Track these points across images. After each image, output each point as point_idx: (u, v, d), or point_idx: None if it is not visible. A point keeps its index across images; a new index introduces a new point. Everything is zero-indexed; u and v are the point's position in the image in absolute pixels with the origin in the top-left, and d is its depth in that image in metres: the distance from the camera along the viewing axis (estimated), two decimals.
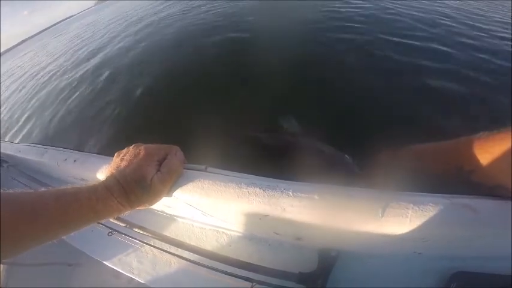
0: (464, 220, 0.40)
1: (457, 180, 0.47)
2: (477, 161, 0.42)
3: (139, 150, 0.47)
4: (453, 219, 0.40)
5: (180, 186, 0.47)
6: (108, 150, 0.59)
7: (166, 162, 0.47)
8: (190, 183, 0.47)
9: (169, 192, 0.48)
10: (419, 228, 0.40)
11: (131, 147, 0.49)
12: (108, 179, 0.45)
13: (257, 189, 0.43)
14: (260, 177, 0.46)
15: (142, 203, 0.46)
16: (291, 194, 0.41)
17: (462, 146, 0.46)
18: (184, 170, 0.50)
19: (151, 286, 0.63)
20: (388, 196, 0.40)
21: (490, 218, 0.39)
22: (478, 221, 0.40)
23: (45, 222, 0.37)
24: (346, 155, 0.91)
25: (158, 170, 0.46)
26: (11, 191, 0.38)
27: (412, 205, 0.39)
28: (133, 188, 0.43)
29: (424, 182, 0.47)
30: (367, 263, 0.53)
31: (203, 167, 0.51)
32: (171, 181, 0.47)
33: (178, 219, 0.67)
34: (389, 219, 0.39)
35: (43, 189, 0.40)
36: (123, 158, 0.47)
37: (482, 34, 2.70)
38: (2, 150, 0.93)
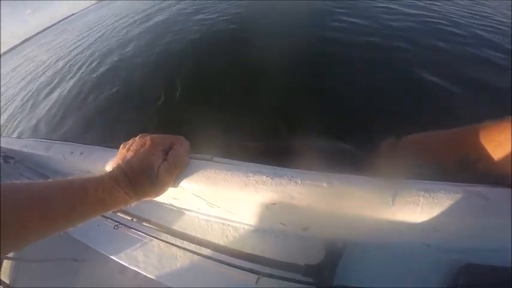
0: (476, 208, 0.39)
1: (462, 170, 0.46)
2: (483, 150, 0.41)
3: (145, 140, 0.47)
4: (465, 207, 0.39)
5: (186, 176, 0.47)
6: (113, 143, 0.59)
7: (172, 151, 0.47)
8: (196, 172, 0.47)
9: (175, 183, 0.47)
10: (431, 217, 0.39)
11: (137, 137, 0.49)
12: (114, 169, 0.44)
13: (264, 177, 0.42)
14: (267, 165, 0.46)
15: (148, 194, 0.45)
16: (299, 182, 0.40)
17: (467, 135, 0.45)
18: (190, 159, 0.50)
19: (158, 280, 0.63)
20: (398, 184, 0.40)
21: (502, 207, 0.39)
22: (490, 210, 0.39)
23: (52, 213, 0.37)
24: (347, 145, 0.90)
25: (164, 160, 0.45)
26: (18, 182, 0.38)
27: (423, 193, 0.39)
28: (140, 178, 0.43)
29: (428, 172, 0.46)
30: (374, 255, 0.52)
31: (209, 156, 0.50)
32: (177, 171, 0.47)
33: (184, 211, 0.67)
34: (400, 208, 0.38)
35: (50, 180, 0.40)
36: (129, 149, 0.47)
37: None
38: (8, 146, 0.94)
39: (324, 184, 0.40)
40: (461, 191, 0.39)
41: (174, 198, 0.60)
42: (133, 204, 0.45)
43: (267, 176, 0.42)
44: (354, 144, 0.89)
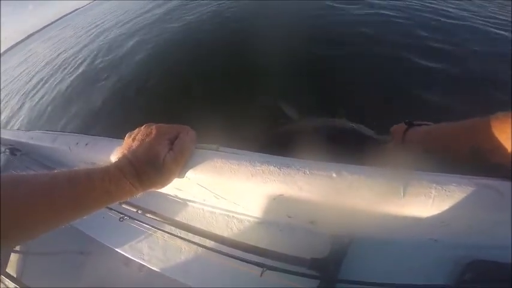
0: (489, 202, 0.38)
1: (473, 160, 0.45)
2: (495, 142, 0.40)
3: (151, 129, 0.47)
4: (478, 200, 0.38)
5: (192, 166, 0.47)
6: (118, 134, 0.59)
7: (178, 141, 0.46)
8: (202, 162, 0.46)
9: (181, 173, 0.47)
10: (441, 210, 0.38)
11: (142, 127, 0.49)
12: (120, 160, 0.44)
13: (272, 167, 0.41)
14: (274, 156, 0.45)
15: (154, 184, 0.45)
16: (308, 172, 0.39)
17: (478, 127, 0.44)
18: (196, 149, 0.50)
19: (162, 272, 0.63)
20: (410, 175, 0.39)
21: None
22: (503, 205, 0.38)
23: (58, 204, 0.37)
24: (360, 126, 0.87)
25: (170, 149, 0.45)
26: (24, 173, 0.38)
27: (435, 185, 0.38)
28: (146, 168, 0.43)
29: (439, 163, 0.45)
30: (379, 249, 0.51)
31: (215, 146, 0.50)
32: (183, 160, 0.47)
33: (189, 203, 0.67)
34: (411, 199, 0.37)
35: (56, 171, 0.40)
36: (134, 138, 0.47)
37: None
38: (15, 139, 0.94)
39: (333, 174, 0.39)
40: (474, 184, 0.38)
41: (179, 190, 0.60)
42: (139, 195, 0.45)
43: (275, 166, 0.41)
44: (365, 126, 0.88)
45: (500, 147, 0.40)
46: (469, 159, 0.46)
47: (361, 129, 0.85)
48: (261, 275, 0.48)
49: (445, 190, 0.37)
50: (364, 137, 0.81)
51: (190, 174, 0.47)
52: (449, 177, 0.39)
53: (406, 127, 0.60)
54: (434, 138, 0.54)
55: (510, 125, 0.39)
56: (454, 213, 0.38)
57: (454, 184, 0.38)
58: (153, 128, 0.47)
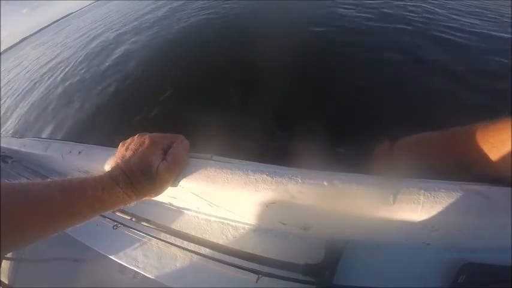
0: (476, 207, 0.39)
1: (458, 172, 0.45)
2: (478, 151, 0.40)
3: (144, 139, 0.47)
4: (465, 205, 0.39)
5: (186, 175, 0.47)
6: (112, 142, 0.59)
7: (172, 150, 0.46)
8: (196, 171, 0.46)
9: (174, 182, 0.47)
10: (431, 215, 0.39)
11: (136, 136, 0.49)
12: (113, 169, 0.44)
13: (264, 176, 0.42)
14: (267, 164, 0.45)
15: (148, 193, 0.45)
16: (300, 181, 0.40)
17: (461, 137, 0.44)
18: (190, 158, 0.50)
19: (157, 280, 0.62)
20: (399, 183, 0.39)
21: (503, 206, 0.38)
22: (490, 209, 0.39)
23: (51, 213, 0.37)
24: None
25: (164, 159, 0.45)
26: (16, 181, 0.38)
27: (423, 191, 0.39)
28: (139, 178, 0.43)
29: (427, 172, 0.45)
30: (374, 254, 0.52)
31: (209, 155, 0.50)
32: (176, 170, 0.47)
33: (184, 211, 0.67)
34: (401, 206, 0.38)
35: (49, 179, 0.40)
36: (127, 148, 0.47)
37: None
38: (7, 146, 0.93)
39: (325, 183, 0.39)
40: (461, 189, 0.39)
41: (174, 198, 0.60)
42: (133, 204, 0.45)
43: (267, 175, 0.42)
44: (349, 149, 0.89)
45: (483, 157, 0.40)
46: (455, 170, 0.46)
47: None
48: (257, 282, 0.48)
49: (433, 196, 0.38)
50: None
51: (184, 183, 0.47)
52: (437, 183, 0.40)
53: (390, 143, 0.59)
54: (420, 149, 0.53)
55: (491, 134, 0.39)
56: (443, 218, 0.39)
57: (442, 190, 0.39)
58: (146, 138, 0.47)
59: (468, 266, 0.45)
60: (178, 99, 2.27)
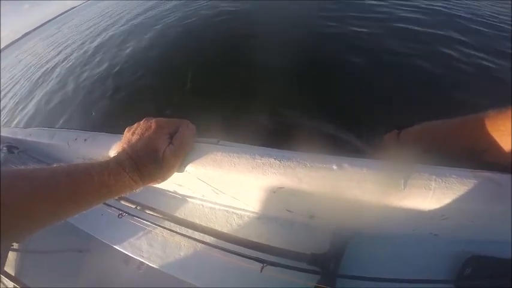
0: (489, 194, 0.38)
1: (467, 160, 0.44)
2: (488, 139, 0.40)
3: (150, 123, 0.46)
4: (477, 192, 0.38)
5: (192, 159, 0.46)
6: (118, 129, 0.59)
7: (178, 134, 0.46)
8: (203, 156, 0.46)
9: (180, 167, 0.47)
10: (441, 203, 0.38)
11: (142, 121, 0.48)
12: (119, 154, 0.44)
13: (272, 160, 0.41)
14: (275, 149, 0.45)
15: (154, 178, 0.45)
16: (308, 165, 0.39)
17: (471, 125, 0.44)
18: (196, 143, 0.49)
19: (162, 269, 0.62)
20: (410, 168, 0.39)
21: None
22: (502, 196, 0.38)
23: (57, 198, 0.37)
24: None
25: (170, 143, 0.45)
26: (23, 167, 0.38)
27: (435, 177, 0.38)
28: (145, 162, 0.43)
29: (436, 161, 0.45)
30: (380, 245, 0.51)
31: (215, 140, 0.49)
32: (183, 154, 0.46)
33: (188, 199, 0.66)
34: (412, 191, 0.37)
35: (55, 165, 0.40)
36: (134, 133, 0.47)
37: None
38: (13, 136, 0.94)
39: (334, 166, 0.39)
40: (473, 176, 0.38)
41: (179, 185, 0.60)
42: (138, 190, 0.45)
43: (275, 159, 0.41)
44: (357, 137, 0.88)
45: (493, 145, 0.39)
46: (465, 158, 0.45)
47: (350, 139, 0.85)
48: (261, 271, 0.48)
49: (445, 182, 0.37)
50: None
51: (190, 168, 0.46)
52: (449, 169, 0.39)
53: (398, 132, 0.59)
54: (429, 137, 0.53)
55: (502, 122, 0.39)
56: (454, 205, 0.38)
57: (453, 176, 0.38)
58: (153, 122, 0.47)
59: (475, 259, 0.44)
60: (185, 85, 2.29)
